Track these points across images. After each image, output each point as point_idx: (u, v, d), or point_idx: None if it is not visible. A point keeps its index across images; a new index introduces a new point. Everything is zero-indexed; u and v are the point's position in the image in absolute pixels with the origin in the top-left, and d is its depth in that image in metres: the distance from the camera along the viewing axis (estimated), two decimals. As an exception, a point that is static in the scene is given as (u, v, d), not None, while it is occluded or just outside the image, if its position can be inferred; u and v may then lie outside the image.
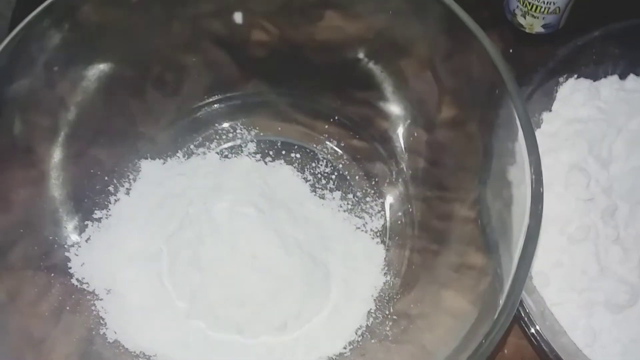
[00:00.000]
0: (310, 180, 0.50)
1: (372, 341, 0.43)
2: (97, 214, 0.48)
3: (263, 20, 0.51)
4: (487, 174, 0.43)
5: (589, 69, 0.51)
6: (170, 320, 0.44)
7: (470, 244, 0.43)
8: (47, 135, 0.47)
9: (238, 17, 0.51)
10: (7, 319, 0.41)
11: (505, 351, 0.45)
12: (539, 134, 0.49)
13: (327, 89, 0.52)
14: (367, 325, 0.44)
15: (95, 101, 0.48)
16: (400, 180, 0.50)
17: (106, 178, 0.49)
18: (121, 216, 0.48)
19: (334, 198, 0.49)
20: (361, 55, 0.50)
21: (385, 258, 0.47)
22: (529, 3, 0.53)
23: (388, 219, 0.49)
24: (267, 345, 0.44)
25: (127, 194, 0.49)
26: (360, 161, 0.51)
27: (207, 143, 0.52)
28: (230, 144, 0.52)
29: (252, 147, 0.52)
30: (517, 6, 0.55)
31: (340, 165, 0.51)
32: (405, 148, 0.50)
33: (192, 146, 0.52)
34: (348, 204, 0.49)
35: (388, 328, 0.43)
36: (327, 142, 0.52)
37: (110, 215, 0.48)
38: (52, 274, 0.44)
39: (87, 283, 0.45)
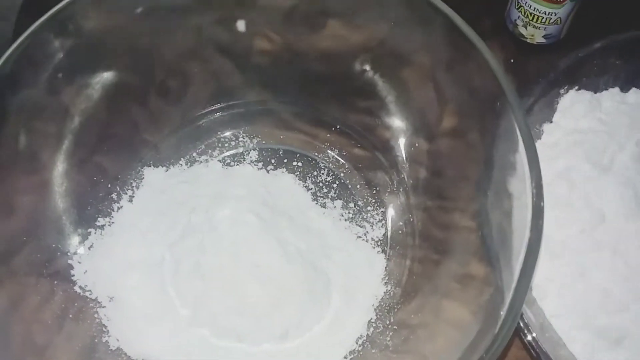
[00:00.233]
0: (311, 189, 0.50)
1: (373, 351, 0.43)
2: (100, 221, 0.48)
3: (266, 29, 0.51)
4: (488, 185, 0.43)
5: (590, 80, 0.51)
6: (173, 328, 0.45)
7: (471, 254, 0.43)
8: (51, 143, 0.47)
9: (241, 25, 0.51)
10: (10, 326, 0.41)
11: (505, 362, 0.46)
12: (539, 144, 0.49)
13: (329, 98, 0.52)
14: (367, 335, 0.44)
15: (99, 109, 0.48)
16: (401, 189, 0.50)
17: (109, 185, 0.49)
18: (124, 224, 0.48)
19: (335, 207, 0.49)
20: (363, 64, 0.50)
21: (386, 267, 0.47)
22: (531, 13, 0.54)
23: (389, 228, 0.49)
24: (268, 354, 0.44)
25: (130, 201, 0.49)
26: (361, 170, 0.51)
27: (210, 151, 0.52)
28: (232, 152, 0.52)
29: (254, 155, 0.52)
30: (519, 16, 0.55)
31: (342, 174, 0.51)
32: (406, 157, 0.50)
33: (194, 154, 0.52)
34: (349, 213, 0.49)
35: (389, 338, 0.44)
36: (329, 151, 0.52)
37: (113, 222, 0.48)
38: (55, 282, 0.44)
39: (90, 290, 0.45)
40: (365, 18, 0.49)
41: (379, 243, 0.48)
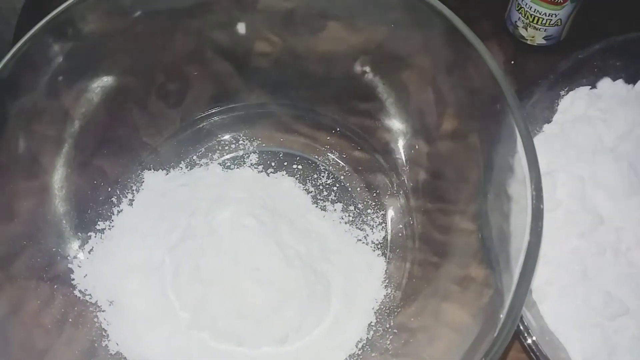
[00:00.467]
0: (311, 192, 0.50)
1: (373, 354, 0.43)
2: (100, 225, 0.48)
3: (266, 32, 0.51)
4: (488, 187, 0.43)
5: (590, 82, 0.51)
6: (173, 331, 0.44)
7: (471, 256, 0.43)
8: (51, 146, 0.47)
9: (241, 28, 0.51)
10: (10, 330, 0.41)
11: (505, 365, 0.45)
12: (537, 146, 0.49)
13: (329, 100, 0.52)
14: (367, 338, 0.44)
15: (99, 112, 0.49)
16: (401, 192, 0.50)
17: (109, 189, 0.49)
18: (124, 227, 0.48)
19: (335, 210, 0.49)
20: (363, 66, 0.50)
21: (386, 270, 0.47)
22: (531, 15, 0.54)
23: (389, 231, 0.49)
24: (268, 357, 0.44)
25: (130, 205, 0.49)
26: (361, 173, 0.51)
27: (210, 154, 0.52)
28: (232, 155, 0.52)
29: (254, 158, 0.52)
30: (519, 18, 0.55)
31: (342, 177, 0.51)
32: (406, 160, 0.50)
33: (194, 157, 0.52)
34: (349, 216, 0.49)
35: (388, 341, 0.43)
36: (329, 154, 0.52)
37: (113, 226, 0.48)
38: (55, 285, 0.44)
39: (90, 294, 0.45)
40: (364, 20, 0.49)
41: (379, 246, 0.48)
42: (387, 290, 0.46)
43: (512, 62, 0.57)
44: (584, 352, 0.42)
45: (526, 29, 0.55)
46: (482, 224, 0.43)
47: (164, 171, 0.51)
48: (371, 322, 0.45)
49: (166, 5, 0.48)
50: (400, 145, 0.50)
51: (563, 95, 0.51)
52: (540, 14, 0.53)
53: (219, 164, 0.52)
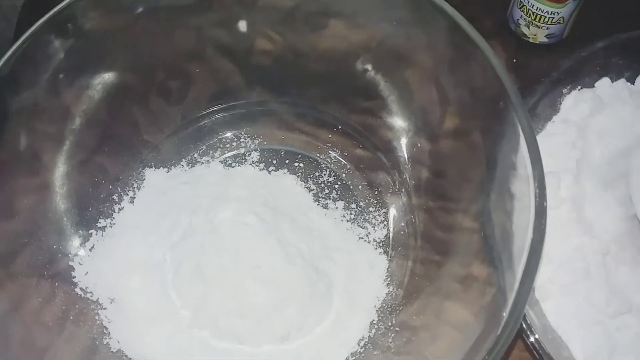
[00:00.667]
0: (313, 190, 0.50)
1: (375, 352, 0.43)
2: (101, 222, 0.48)
3: (267, 29, 0.51)
4: (491, 185, 0.43)
5: (593, 80, 0.51)
6: (174, 329, 0.44)
7: (473, 255, 0.43)
8: (52, 144, 0.47)
9: (242, 25, 0.51)
10: (11, 327, 0.41)
11: (507, 363, 0.45)
12: (539, 138, 0.49)
13: (331, 98, 0.52)
14: (369, 337, 0.44)
15: (100, 109, 0.48)
16: (403, 190, 0.50)
17: (110, 187, 0.49)
18: (125, 225, 0.48)
19: (337, 208, 0.49)
20: (365, 64, 0.50)
21: (387, 269, 0.47)
22: (533, 13, 0.53)
23: (391, 229, 0.49)
24: (269, 355, 0.44)
25: (131, 202, 0.49)
26: (363, 171, 0.51)
27: (211, 152, 0.52)
28: (233, 152, 0.52)
29: (255, 156, 0.52)
30: (521, 16, 0.55)
31: (344, 175, 0.51)
32: (408, 158, 0.50)
33: (196, 155, 0.52)
34: (351, 213, 0.49)
35: (390, 339, 0.43)
36: (331, 152, 0.52)
37: (114, 224, 0.48)
38: (56, 283, 0.44)
39: (91, 292, 0.45)
40: (366, 18, 0.49)
41: (380, 244, 0.48)
42: (389, 288, 0.46)
43: (515, 61, 0.57)
44: (586, 350, 0.42)
45: (528, 27, 0.55)
46: (484, 222, 0.43)
47: (165, 169, 0.51)
48: (373, 320, 0.45)
49: (167, 3, 0.48)
50: (403, 143, 0.50)
51: (565, 94, 0.50)
52: (542, 12, 0.53)
53: (220, 161, 0.52)
